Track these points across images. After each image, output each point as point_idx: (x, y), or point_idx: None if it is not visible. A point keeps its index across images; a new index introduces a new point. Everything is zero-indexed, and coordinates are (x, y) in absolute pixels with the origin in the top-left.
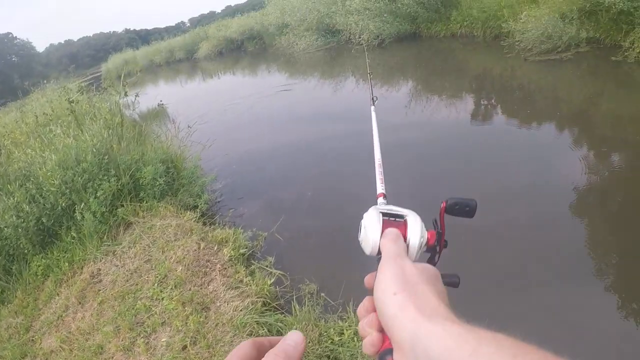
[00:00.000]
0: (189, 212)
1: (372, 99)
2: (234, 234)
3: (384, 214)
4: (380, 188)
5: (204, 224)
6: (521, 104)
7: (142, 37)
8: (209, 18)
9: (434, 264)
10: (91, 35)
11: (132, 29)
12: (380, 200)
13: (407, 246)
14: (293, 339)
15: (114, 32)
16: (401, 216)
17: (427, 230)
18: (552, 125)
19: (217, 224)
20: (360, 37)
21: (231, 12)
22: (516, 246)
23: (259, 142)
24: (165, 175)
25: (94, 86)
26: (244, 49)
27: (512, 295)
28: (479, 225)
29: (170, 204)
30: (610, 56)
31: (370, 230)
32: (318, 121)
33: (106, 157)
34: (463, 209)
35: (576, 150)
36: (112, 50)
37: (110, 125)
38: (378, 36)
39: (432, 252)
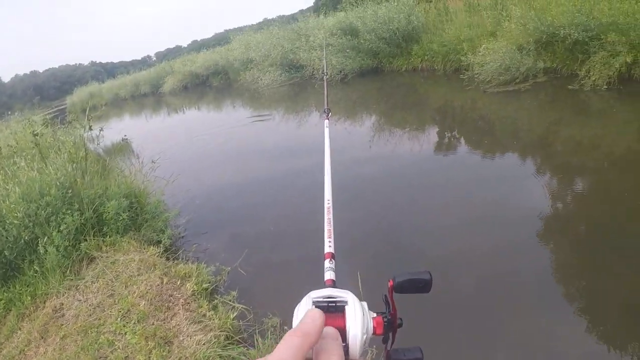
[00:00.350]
0: (152, 247)
1: (325, 110)
2: (197, 268)
3: (317, 306)
4: (327, 245)
5: (167, 258)
6: (482, 135)
7: (108, 70)
8: (175, 52)
9: (388, 346)
10: (57, 66)
11: (98, 61)
12: (327, 263)
13: (347, 344)
14: (309, 315)
15: (79, 64)
16: (340, 306)
17: (374, 315)
18: (514, 154)
19: (180, 259)
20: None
21: (197, 46)
22: (481, 274)
23: (223, 177)
24: (129, 210)
25: (59, 119)
26: (209, 84)
27: (478, 325)
28: (442, 255)
29: (134, 239)
30: (567, 85)
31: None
32: (282, 156)
33: (70, 191)
34: (415, 285)
35: (538, 177)
36: (77, 82)
37: (74, 159)
38: (341, 71)
39: (384, 336)
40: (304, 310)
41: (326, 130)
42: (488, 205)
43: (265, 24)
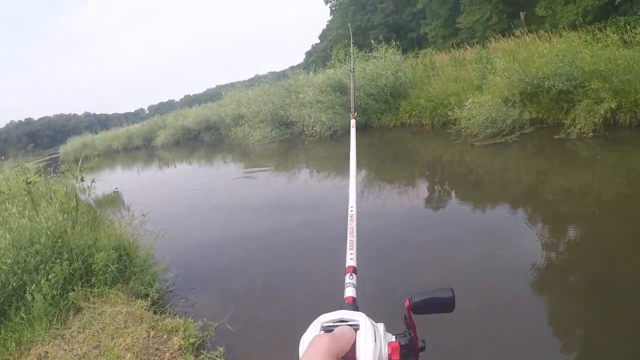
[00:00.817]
0: (140, 300)
1: (352, 109)
2: (184, 323)
3: (328, 330)
4: (349, 258)
5: (155, 312)
6: (472, 188)
7: (101, 122)
8: (167, 106)
9: None
10: (52, 115)
11: (92, 112)
12: (348, 278)
13: None
14: (339, 329)
15: (74, 114)
16: (354, 326)
17: (391, 339)
18: (504, 206)
19: (167, 313)
20: (313, 129)
21: (189, 101)
22: (472, 332)
23: (212, 232)
24: (118, 263)
25: (52, 167)
26: (201, 139)
27: None
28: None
29: (122, 291)
30: (553, 134)
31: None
32: (271, 211)
33: (60, 240)
34: (436, 305)
35: (529, 228)
36: (71, 132)
37: (65, 209)
38: (330, 127)
39: None
40: (311, 338)
41: (352, 130)
42: (479, 260)
43: (257, 80)
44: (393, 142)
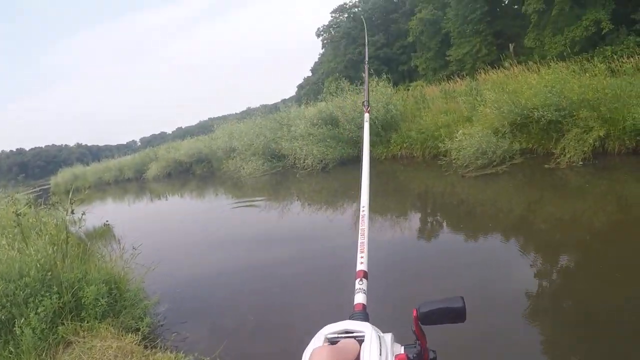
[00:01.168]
0: (130, 334)
1: (365, 103)
2: (175, 358)
3: (332, 342)
4: (359, 262)
5: (146, 347)
6: (463, 219)
7: (93, 153)
8: (159, 139)
9: None
10: (43, 146)
11: (83, 143)
12: (358, 284)
13: None
14: (343, 342)
15: (65, 145)
16: (359, 341)
17: (399, 351)
18: (496, 237)
19: (159, 348)
20: (304, 162)
21: (181, 134)
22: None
23: (203, 266)
24: (108, 296)
25: (42, 198)
26: (192, 172)
27: None
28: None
29: (112, 325)
30: (543, 164)
31: None
32: (263, 245)
33: (49, 273)
34: (445, 315)
35: (522, 258)
36: (62, 163)
37: (55, 241)
38: (322, 160)
39: None
40: (309, 354)
41: (366, 125)
42: (472, 290)
43: (249, 113)
44: (385, 174)
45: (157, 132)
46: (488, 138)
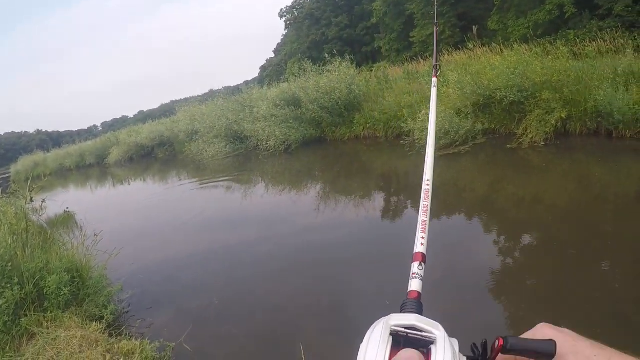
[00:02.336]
0: (94, 323)
1: (435, 67)
2: (141, 345)
3: (395, 336)
4: (419, 243)
5: (111, 335)
6: None
7: (53, 139)
8: (121, 123)
9: None
10: (2, 134)
11: (44, 130)
12: (416, 268)
13: None
14: (404, 357)
15: (25, 132)
16: (425, 342)
17: (462, 358)
18: (459, 215)
19: (124, 335)
20: (267, 144)
21: (143, 117)
22: None
23: (167, 250)
24: (71, 285)
25: (1, 188)
26: (155, 156)
27: None
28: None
29: (76, 315)
30: (506, 144)
31: None
32: (226, 228)
33: (10, 264)
34: (531, 355)
35: (485, 236)
36: (22, 150)
37: (15, 230)
38: (285, 142)
39: None
40: (373, 345)
41: (433, 90)
42: (437, 270)
43: (211, 95)
44: (348, 154)
45: (118, 117)
46: (451, 118)
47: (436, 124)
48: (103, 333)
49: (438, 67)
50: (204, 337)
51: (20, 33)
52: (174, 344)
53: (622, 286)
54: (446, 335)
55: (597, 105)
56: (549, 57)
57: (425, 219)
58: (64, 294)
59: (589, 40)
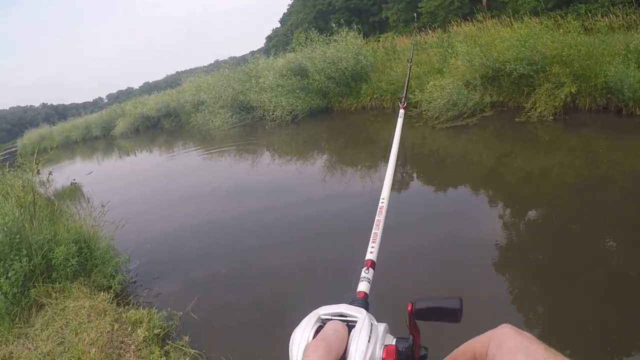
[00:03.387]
0: (102, 293)
1: (400, 99)
2: (148, 314)
3: (324, 322)
4: (369, 251)
5: (118, 304)
6: (433, 170)
7: (59, 112)
8: (126, 94)
9: None
10: (7, 108)
11: (49, 103)
12: (364, 272)
13: None
14: (331, 327)
15: (31, 106)
16: (350, 327)
17: (390, 341)
18: (466, 188)
19: (131, 305)
20: (273, 114)
21: (149, 88)
22: None
23: (174, 220)
24: (78, 256)
25: (9, 162)
26: (161, 126)
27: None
28: (397, 291)
29: (84, 285)
30: (514, 118)
31: (295, 348)
32: (233, 198)
33: (18, 236)
34: (440, 313)
35: (491, 209)
36: (28, 124)
37: (22, 203)
38: (291, 112)
39: None
40: (300, 333)
41: (399, 120)
42: (441, 240)
43: (216, 65)
44: (354, 125)
45: (123, 88)
46: (459, 90)
47: (443, 95)
48: (111, 303)
49: (405, 98)
50: (210, 306)
51: (22, 4)
52: (181, 313)
53: (623, 263)
54: (367, 318)
55: (608, 81)
56: (560, 30)
57: (377, 232)
58: (72, 264)
59: (601, 15)
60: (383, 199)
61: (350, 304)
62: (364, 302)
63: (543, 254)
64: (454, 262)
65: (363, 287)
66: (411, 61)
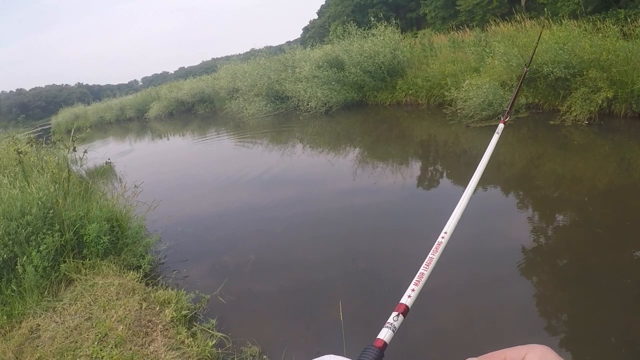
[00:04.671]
0: (132, 271)
1: (504, 112)
2: (176, 295)
3: None
4: (407, 295)
5: (147, 284)
6: (465, 169)
7: (94, 93)
8: (161, 78)
9: None
10: (43, 86)
11: (84, 83)
12: (391, 317)
13: None
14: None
15: (66, 85)
16: None
17: None
18: (497, 188)
19: (160, 285)
20: (308, 104)
21: (184, 73)
22: (464, 307)
23: (206, 205)
24: (110, 234)
25: (43, 138)
26: (194, 112)
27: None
28: (426, 288)
29: (114, 263)
30: (548, 120)
31: None
32: (265, 186)
33: (51, 211)
34: None
35: (521, 211)
36: (63, 103)
37: (57, 179)
38: (326, 103)
39: None
40: None
41: (495, 136)
42: (469, 240)
43: (253, 54)
44: (388, 120)
45: (159, 72)
46: (495, 90)
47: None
48: (140, 282)
49: (509, 111)
50: (238, 291)
51: None
52: (209, 295)
53: None
54: None
55: None
56: (599, 35)
57: (424, 272)
58: (103, 242)
59: None
60: (445, 232)
61: (362, 354)
62: (379, 353)
63: (571, 259)
64: (478, 259)
65: (385, 335)
66: (529, 65)
